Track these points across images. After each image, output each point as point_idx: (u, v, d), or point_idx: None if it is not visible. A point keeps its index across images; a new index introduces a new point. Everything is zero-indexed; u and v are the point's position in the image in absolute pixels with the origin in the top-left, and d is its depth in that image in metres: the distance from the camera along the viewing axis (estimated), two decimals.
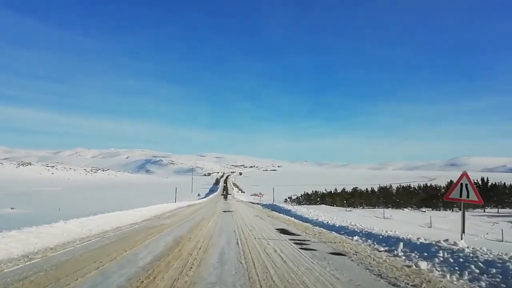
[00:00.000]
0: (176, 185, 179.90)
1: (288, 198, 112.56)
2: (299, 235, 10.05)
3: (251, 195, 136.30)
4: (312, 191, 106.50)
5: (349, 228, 10.81)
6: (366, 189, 76.06)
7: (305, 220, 15.31)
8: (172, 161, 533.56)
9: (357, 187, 76.26)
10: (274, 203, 33.89)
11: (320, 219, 14.62)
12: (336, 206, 63.89)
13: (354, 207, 63.56)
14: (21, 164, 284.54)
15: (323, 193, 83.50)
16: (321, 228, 11.72)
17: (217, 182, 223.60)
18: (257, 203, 42.33)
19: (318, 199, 78.88)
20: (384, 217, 36.77)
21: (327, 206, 60.65)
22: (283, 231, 11.03)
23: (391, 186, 76.76)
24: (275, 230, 11.30)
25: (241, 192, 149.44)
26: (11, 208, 27.51)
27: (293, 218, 17.42)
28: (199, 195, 72.62)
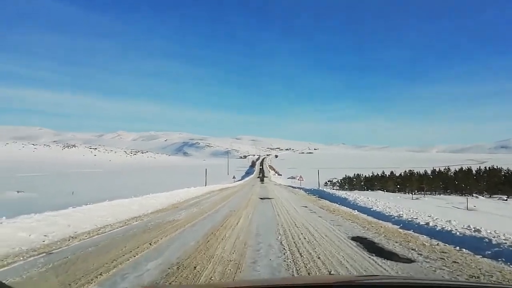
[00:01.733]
0: (212, 167, 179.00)
1: (329, 181, 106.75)
2: (418, 262, 4.98)
3: (288, 178, 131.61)
4: (354, 174, 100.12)
5: (492, 240, 5.86)
6: (425, 171, 68.01)
7: (383, 217, 10.36)
8: (209, 143, 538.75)
9: (412, 170, 68.68)
10: (320, 188, 28.97)
11: (407, 217, 9.61)
12: (388, 191, 57.69)
13: (411, 193, 56.75)
14: (67, 147, 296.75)
15: (368, 176, 76.85)
16: (438, 241, 6.58)
17: (253, 164, 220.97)
18: (298, 187, 37.66)
19: (363, 183, 72.57)
20: (467, 208, 30.58)
21: (384, 192, 54.43)
22: (374, 249, 5.81)
23: (448, 168, 68.43)
24: (354, 244, 6.32)
25: (278, 174, 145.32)
26: (17, 192, 24.57)
27: (357, 211, 12.59)
28: (234, 177, 69.11)
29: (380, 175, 74.17)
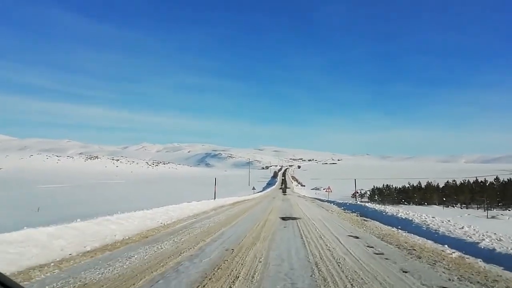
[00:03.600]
0: (233, 178, 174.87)
1: (357, 193, 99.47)
2: None
3: (312, 189, 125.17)
4: (383, 185, 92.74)
5: None
6: (477, 180, 59.94)
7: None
8: (231, 154, 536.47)
9: (465, 180, 61.00)
10: (358, 202, 23.02)
11: None
12: (434, 205, 50.69)
13: (464, 207, 49.09)
14: (89, 158, 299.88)
15: (404, 187, 69.46)
16: None
17: (275, 175, 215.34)
18: (326, 201, 31.89)
19: (396, 196, 65.42)
20: None
21: (439, 206, 47.53)
22: None
23: (498, 179, 60.42)
24: None
25: (301, 185, 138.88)
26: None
27: (455, 251, 6.99)
28: (254, 188, 63.68)
29: (417, 186, 66.59)
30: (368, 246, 7.31)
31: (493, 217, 35.44)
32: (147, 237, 8.72)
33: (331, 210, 18.63)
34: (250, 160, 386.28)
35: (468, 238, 8.02)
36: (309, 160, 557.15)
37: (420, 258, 6.22)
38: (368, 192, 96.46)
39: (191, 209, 16.31)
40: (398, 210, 14.78)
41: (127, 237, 8.59)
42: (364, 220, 13.57)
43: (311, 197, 47.18)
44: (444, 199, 53.20)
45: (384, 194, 75.80)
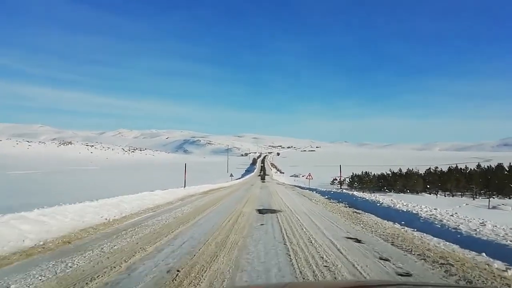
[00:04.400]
0: (212, 164, 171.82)
1: (336, 180, 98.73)
2: None
3: (291, 176, 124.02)
4: (362, 172, 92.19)
5: None
6: (466, 167, 59.02)
7: None
8: (210, 141, 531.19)
9: (452, 166, 59.96)
10: (344, 191, 20.79)
11: None
12: (425, 193, 49.48)
13: (451, 194, 47.67)
14: (62, 144, 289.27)
15: (384, 174, 68.44)
16: None
17: (254, 162, 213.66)
18: (308, 188, 29.90)
19: (376, 183, 64.37)
20: None
21: (432, 195, 46.10)
22: None
23: (491, 166, 59.41)
24: None
25: (280, 172, 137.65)
26: None
27: (489, 257, 4.85)
28: (232, 175, 61.33)
29: (398, 173, 65.38)
30: (381, 259, 5.05)
31: (494, 207, 34.22)
32: (70, 242, 6.24)
33: (315, 200, 16.49)
34: (229, 147, 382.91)
35: (509, 242, 5.92)
36: (288, 147, 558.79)
37: (471, 283, 4.00)
38: (348, 179, 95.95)
39: (153, 199, 13.80)
40: (393, 201, 12.72)
41: (40, 243, 6.11)
42: (356, 212, 11.43)
43: (290, 185, 45.28)
44: (428, 186, 52.16)
45: (363, 181, 74.91)
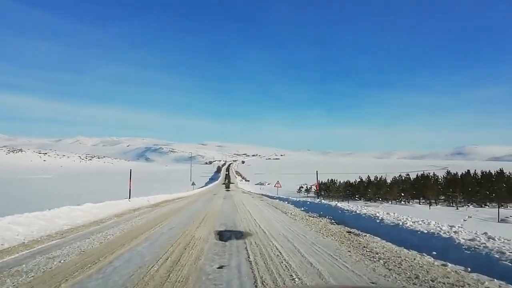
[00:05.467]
0: (174, 173, 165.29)
1: (304, 188, 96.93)
2: None
3: (256, 184, 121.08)
4: (328, 179, 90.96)
5: None
6: (434, 173, 58.01)
7: None
8: (173, 149, 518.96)
9: (427, 172, 58.89)
10: (321, 201, 17.32)
11: None
12: (404, 202, 47.47)
13: (433, 203, 45.39)
14: (12, 151, 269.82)
15: (351, 182, 66.80)
16: None
17: (218, 170, 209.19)
18: (277, 198, 26.81)
19: (349, 190, 62.53)
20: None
21: (421, 205, 43.62)
22: None
23: (457, 173, 59.04)
24: None
25: (245, 180, 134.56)
26: None
27: None
28: (193, 184, 57.30)
29: (369, 180, 63.76)
30: None
31: (502, 220, 31.61)
32: None
33: (291, 213, 13.29)
34: (193, 155, 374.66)
35: None
36: (253, 155, 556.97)
37: None
38: (314, 187, 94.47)
39: (74, 217, 10.02)
40: (397, 217, 9.75)
41: None
42: (351, 233, 8.30)
43: (257, 193, 42.11)
44: (402, 194, 50.63)
45: (331, 189, 73.28)
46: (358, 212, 11.28)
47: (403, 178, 57.68)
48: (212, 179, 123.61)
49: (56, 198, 26.98)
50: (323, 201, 16.40)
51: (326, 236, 7.78)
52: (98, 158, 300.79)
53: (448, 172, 57.60)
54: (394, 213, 10.23)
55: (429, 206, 45.23)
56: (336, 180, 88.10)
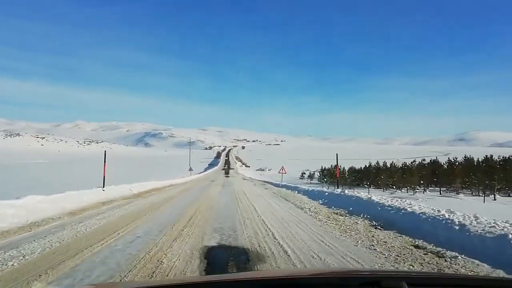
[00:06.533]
0: (174, 158, 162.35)
1: (306, 174, 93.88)
2: None
3: (257, 169, 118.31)
4: (332, 165, 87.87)
5: None
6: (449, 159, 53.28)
7: None
8: (172, 134, 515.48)
9: (454, 159, 54.81)
10: (345, 191, 13.72)
11: None
12: (405, 189, 43.85)
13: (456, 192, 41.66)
14: (9, 135, 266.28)
15: (363, 168, 63.16)
16: None
17: (218, 155, 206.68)
18: (283, 186, 23.67)
19: (355, 177, 59.21)
20: None
21: (469, 196, 39.67)
22: None
23: (473, 159, 55.08)
24: None
25: (246, 166, 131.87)
26: None
27: None
28: (191, 170, 54.15)
29: (379, 166, 59.65)
30: None
31: None
32: None
33: (310, 209, 10.02)
34: (193, 140, 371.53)
35: None
36: (253, 141, 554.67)
37: None
38: (317, 174, 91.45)
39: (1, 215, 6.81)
40: (490, 223, 6.52)
41: None
42: (427, 251, 5.11)
43: (259, 180, 38.97)
44: (422, 182, 46.80)
45: (334, 175, 70.17)
46: (408, 210, 8.00)
47: (417, 164, 53.93)
48: (211, 165, 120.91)
49: (30, 186, 23.85)
50: (347, 192, 13.12)
51: (397, 262, 4.51)
52: (97, 143, 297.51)
53: (466, 158, 53.77)
54: (474, 216, 6.94)
55: (484, 198, 40.39)
56: (340, 166, 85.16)
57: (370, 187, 50.82)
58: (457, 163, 47.90)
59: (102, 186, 13.36)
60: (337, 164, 15.06)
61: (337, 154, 14.61)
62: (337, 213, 9.27)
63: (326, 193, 13.42)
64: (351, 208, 9.69)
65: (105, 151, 14.68)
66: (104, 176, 13.70)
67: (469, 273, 4.02)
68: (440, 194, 44.48)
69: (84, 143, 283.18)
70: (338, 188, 14.38)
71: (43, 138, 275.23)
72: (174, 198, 13.09)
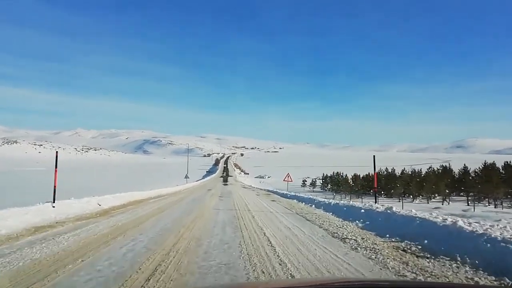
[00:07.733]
0: (172, 165, 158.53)
1: (306, 181, 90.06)
2: None
3: (256, 177, 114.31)
4: (334, 173, 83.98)
5: None
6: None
7: None
8: (171, 141, 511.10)
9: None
10: (387, 207, 10.16)
11: None
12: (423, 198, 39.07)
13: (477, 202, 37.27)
14: (7, 143, 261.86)
15: (361, 176, 59.21)
16: None
17: (216, 162, 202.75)
18: (291, 197, 19.97)
19: (360, 186, 55.13)
20: None
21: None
22: None
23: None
24: None
25: (244, 173, 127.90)
26: None
27: None
28: (187, 177, 50.38)
29: (391, 173, 55.05)
30: None
31: None
32: None
33: (358, 243, 6.28)
34: (192, 148, 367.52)
35: None
36: (252, 148, 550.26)
37: None
38: (320, 181, 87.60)
39: None
40: None
41: None
42: None
43: (261, 189, 35.26)
44: (447, 191, 42.36)
45: (339, 182, 66.38)
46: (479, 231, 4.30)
47: (434, 170, 49.67)
48: (209, 172, 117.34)
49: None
50: (386, 206, 9.38)
51: None
52: (95, 150, 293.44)
53: (487, 164, 49.47)
54: None
55: None
56: (342, 173, 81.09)
57: (381, 196, 46.91)
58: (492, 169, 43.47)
59: (52, 200, 9.62)
60: (374, 170, 11.27)
61: (374, 156, 10.91)
62: (405, 250, 5.52)
63: (362, 210, 9.67)
64: (425, 241, 5.92)
65: (56, 151, 11.12)
66: (55, 188, 9.97)
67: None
68: (468, 204, 39.96)
69: (82, 150, 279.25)
70: (376, 202, 10.60)
71: (41, 145, 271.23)
72: (149, 219, 9.27)
